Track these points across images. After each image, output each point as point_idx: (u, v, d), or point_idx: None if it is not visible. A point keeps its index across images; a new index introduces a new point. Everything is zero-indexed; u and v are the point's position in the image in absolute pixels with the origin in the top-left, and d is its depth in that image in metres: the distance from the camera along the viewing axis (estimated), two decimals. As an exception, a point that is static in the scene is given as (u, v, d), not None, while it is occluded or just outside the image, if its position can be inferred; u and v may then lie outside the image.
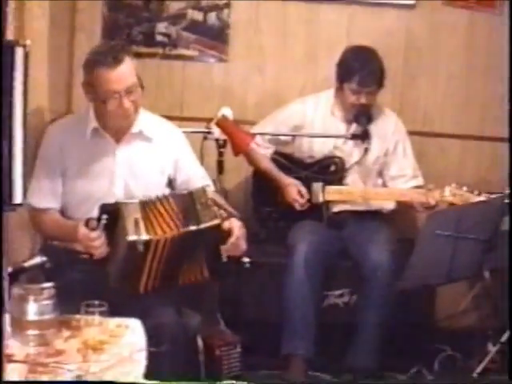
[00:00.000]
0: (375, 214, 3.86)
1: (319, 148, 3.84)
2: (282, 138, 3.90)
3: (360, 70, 3.64)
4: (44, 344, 2.16)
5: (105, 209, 2.71)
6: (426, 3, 4.19)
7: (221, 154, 3.17)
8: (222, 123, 3.15)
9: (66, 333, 2.25)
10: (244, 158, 3.81)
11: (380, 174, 3.91)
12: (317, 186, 3.77)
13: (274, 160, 3.92)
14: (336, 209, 3.83)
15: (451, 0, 4.19)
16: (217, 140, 3.16)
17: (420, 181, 3.86)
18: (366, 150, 3.74)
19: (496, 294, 3.58)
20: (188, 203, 2.74)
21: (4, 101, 2.06)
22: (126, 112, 2.87)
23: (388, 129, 3.86)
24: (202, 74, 4.24)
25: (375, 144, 3.79)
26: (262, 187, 3.93)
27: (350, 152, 3.82)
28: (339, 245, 3.77)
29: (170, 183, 3.06)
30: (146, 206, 2.72)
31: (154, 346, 2.32)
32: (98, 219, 2.70)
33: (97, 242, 2.70)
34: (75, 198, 2.98)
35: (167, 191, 2.97)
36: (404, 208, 3.88)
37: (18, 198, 2.16)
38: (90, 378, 1.99)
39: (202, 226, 2.68)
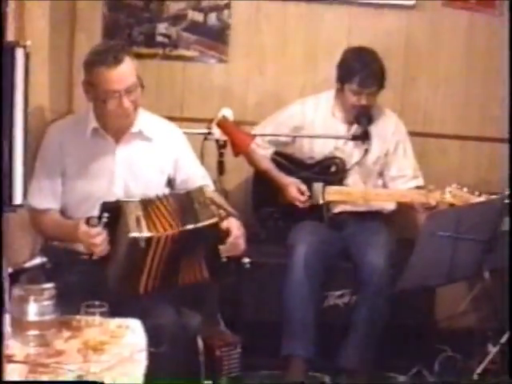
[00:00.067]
0: (376, 215, 3.86)
1: (320, 149, 3.84)
2: (283, 138, 3.90)
3: (360, 71, 3.64)
4: (44, 344, 2.16)
5: (106, 207, 2.71)
6: (425, 4, 4.20)
7: (221, 155, 3.16)
8: (223, 124, 3.15)
9: (66, 333, 2.25)
10: (244, 158, 3.81)
11: (380, 174, 3.91)
12: (317, 186, 3.78)
13: (274, 161, 3.92)
14: (336, 209, 3.83)
15: (451, 1, 4.20)
16: (217, 141, 3.16)
17: (420, 181, 3.86)
18: (367, 151, 3.74)
19: (496, 295, 3.58)
20: (186, 202, 2.75)
21: (5, 101, 2.06)
22: (125, 111, 2.87)
23: (388, 129, 3.87)
24: (203, 74, 4.24)
25: (375, 145, 3.79)
26: (263, 188, 3.93)
27: (351, 153, 3.83)
28: (339, 245, 3.77)
29: (170, 183, 3.07)
30: (147, 204, 2.73)
31: (154, 346, 2.32)
32: (99, 217, 2.70)
33: (98, 239, 2.70)
34: (75, 197, 2.98)
35: (167, 191, 2.98)
36: (404, 208, 3.89)
37: (18, 198, 2.16)
38: (90, 379, 1.99)
39: (200, 224, 2.68)
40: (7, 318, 2.12)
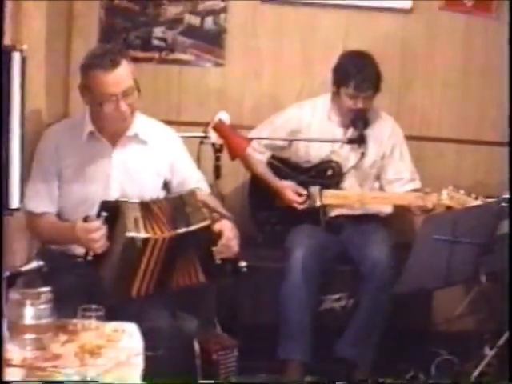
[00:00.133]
0: (372, 218, 3.87)
1: (316, 152, 3.84)
2: (279, 142, 3.90)
3: (356, 75, 3.64)
4: (41, 348, 2.16)
5: (105, 206, 2.72)
6: (422, 7, 4.20)
7: (217, 159, 3.17)
8: (219, 127, 3.15)
9: (63, 337, 2.24)
10: (241, 162, 3.81)
11: (377, 177, 3.91)
12: (314, 190, 3.78)
13: (271, 164, 3.92)
14: (333, 213, 3.83)
15: (448, 4, 4.21)
16: (213, 144, 3.16)
17: (417, 184, 3.86)
18: (363, 155, 3.75)
19: (493, 298, 3.58)
20: (178, 206, 2.76)
21: (1, 105, 2.06)
22: (122, 115, 2.88)
23: (385, 133, 3.87)
24: (199, 78, 4.24)
25: (372, 148, 3.79)
26: (259, 192, 3.93)
27: (347, 156, 3.83)
28: (337, 249, 3.77)
29: (166, 186, 3.07)
30: (145, 206, 2.73)
31: (150, 350, 2.32)
32: (98, 216, 2.70)
33: (97, 234, 2.68)
34: (71, 201, 2.98)
35: (163, 194, 2.98)
36: (401, 211, 3.88)
37: (15, 202, 2.16)
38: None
39: (192, 227, 2.68)
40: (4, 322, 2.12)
